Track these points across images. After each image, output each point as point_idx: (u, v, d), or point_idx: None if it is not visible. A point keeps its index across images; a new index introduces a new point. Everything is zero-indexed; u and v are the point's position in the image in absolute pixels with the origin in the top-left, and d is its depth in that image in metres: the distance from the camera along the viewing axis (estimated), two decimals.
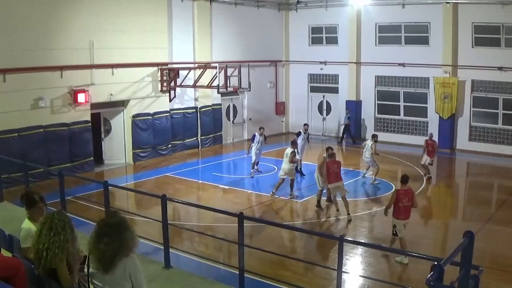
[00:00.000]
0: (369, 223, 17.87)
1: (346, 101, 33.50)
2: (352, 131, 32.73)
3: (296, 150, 20.85)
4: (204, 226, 17.01)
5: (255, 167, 23.90)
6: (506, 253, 14.81)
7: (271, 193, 20.53)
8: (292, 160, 20.14)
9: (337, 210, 18.34)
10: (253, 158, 23.56)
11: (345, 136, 32.86)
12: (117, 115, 26.07)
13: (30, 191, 8.47)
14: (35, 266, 6.20)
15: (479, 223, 17.16)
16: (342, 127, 33.27)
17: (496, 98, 28.32)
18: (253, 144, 23.42)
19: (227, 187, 22.10)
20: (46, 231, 6.11)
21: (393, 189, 15.23)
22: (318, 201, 19.05)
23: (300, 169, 23.64)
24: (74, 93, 22.82)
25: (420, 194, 21.02)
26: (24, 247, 7.39)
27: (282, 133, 35.67)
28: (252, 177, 23.45)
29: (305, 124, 25.76)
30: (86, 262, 5.85)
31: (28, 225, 7.64)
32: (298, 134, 24.24)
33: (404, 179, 14.37)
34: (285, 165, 20.27)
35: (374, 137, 23.19)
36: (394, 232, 14.20)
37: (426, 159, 23.00)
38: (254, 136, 23.85)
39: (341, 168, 18.93)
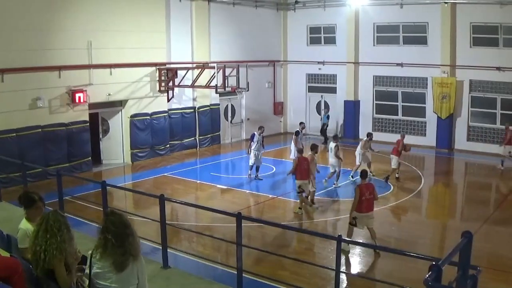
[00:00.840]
0: None
1: (345, 101, 33.54)
2: (349, 130, 32.77)
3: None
4: (202, 226, 16.99)
5: (256, 173, 23.32)
6: (504, 253, 14.82)
7: (331, 182, 22.13)
8: (337, 154, 21.58)
9: (300, 208, 18.69)
10: (252, 160, 23.18)
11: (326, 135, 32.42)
12: (115, 115, 26.05)
13: (28, 191, 8.44)
14: (33, 267, 6.20)
15: (477, 223, 17.16)
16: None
17: (494, 98, 28.33)
18: (253, 143, 23.25)
19: (225, 187, 22.10)
20: (43, 233, 6.10)
21: (355, 186, 15.43)
22: (312, 200, 19.29)
23: None
24: (72, 93, 22.80)
25: (417, 194, 21.08)
26: (22, 248, 7.39)
27: (280, 133, 35.67)
28: (252, 178, 23.32)
29: (301, 123, 25.81)
30: (89, 263, 5.87)
31: (25, 225, 7.63)
32: (297, 133, 24.25)
33: (363, 174, 15.21)
34: (332, 158, 21.84)
35: (369, 135, 23.71)
36: (354, 223, 14.84)
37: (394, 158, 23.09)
38: (253, 135, 23.67)
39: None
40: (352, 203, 15.01)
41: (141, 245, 5.95)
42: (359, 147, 23.49)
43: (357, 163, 23.13)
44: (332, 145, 22.27)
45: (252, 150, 23.02)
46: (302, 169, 18.46)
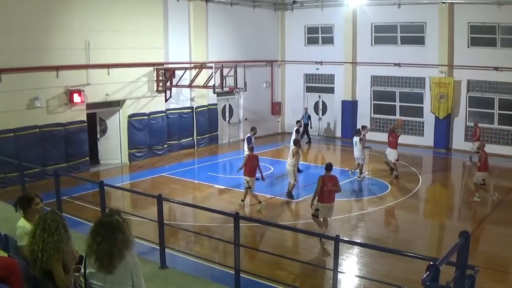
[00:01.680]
0: (364, 223, 17.87)
1: (342, 101, 33.57)
2: (347, 130, 32.81)
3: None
4: (200, 226, 16.98)
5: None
6: (501, 253, 14.83)
7: (357, 176, 23.26)
8: (362, 147, 22.89)
9: (242, 200, 19.58)
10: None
11: (305, 135, 32.03)
12: (113, 115, 26.05)
13: (25, 194, 8.43)
14: (31, 266, 6.19)
15: (475, 223, 17.19)
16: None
17: (492, 98, 28.36)
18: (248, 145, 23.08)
19: (223, 187, 22.10)
20: (40, 232, 6.09)
21: (318, 177, 15.81)
22: (289, 192, 20.38)
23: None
24: (70, 93, 22.80)
25: (415, 194, 21.09)
26: (21, 246, 7.38)
27: (278, 133, 35.69)
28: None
29: (297, 121, 25.85)
30: (83, 263, 5.87)
31: (23, 223, 7.64)
32: (298, 131, 24.23)
33: (328, 167, 15.76)
34: (357, 151, 23.09)
35: (364, 128, 24.55)
36: (316, 214, 15.54)
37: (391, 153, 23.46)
38: (249, 138, 23.06)
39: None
40: (314, 193, 15.53)
41: (134, 244, 5.84)
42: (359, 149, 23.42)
43: (361, 162, 23.27)
44: (356, 139, 23.26)
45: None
46: (251, 166, 19.09)
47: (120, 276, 5.69)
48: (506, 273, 13.55)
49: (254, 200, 19.18)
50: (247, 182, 19.09)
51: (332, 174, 15.80)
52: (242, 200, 19.43)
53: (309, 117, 32.66)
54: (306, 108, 34.13)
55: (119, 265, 5.62)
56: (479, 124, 26.53)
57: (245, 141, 23.33)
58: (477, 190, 19.72)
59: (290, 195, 20.34)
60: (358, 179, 23.02)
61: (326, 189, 15.25)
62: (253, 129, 23.88)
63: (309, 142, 31.63)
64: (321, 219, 15.65)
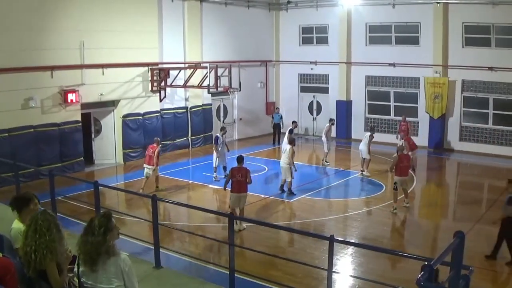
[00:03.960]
0: (359, 223, 17.88)
1: (337, 101, 33.59)
2: (341, 130, 32.87)
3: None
4: (194, 226, 16.97)
5: (225, 172, 22.84)
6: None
7: (360, 172, 24.05)
8: (369, 143, 24.05)
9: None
10: (216, 161, 23.12)
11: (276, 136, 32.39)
12: (107, 115, 26.01)
13: (16, 195, 8.38)
14: (25, 267, 6.17)
15: (469, 223, 17.22)
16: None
17: (487, 98, 28.41)
18: (218, 145, 23.01)
19: (217, 187, 22.08)
20: (32, 233, 6.07)
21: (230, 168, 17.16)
22: (289, 189, 20.89)
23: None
24: (64, 93, 22.76)
25: (410, 194, 21.08)
26: (17, 248, 7.36)
27: (272, 133, 35.65)
28: (217, 181, 22.83)
29: (293, 122, 25.95)
30: (76, 262, 5.95)
31: (17, 224, 7.60)
32: (291, 131, 24.24)
33: (238, 160, 16.88)
34: (363, 146, 24.24)
35: (331, 120, 26.90)
36: (230, 205, 16.82)
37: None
38: (217, 138, 23.19)
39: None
40: (224, 183, 17.15)
41: (116, 244, 6.02)
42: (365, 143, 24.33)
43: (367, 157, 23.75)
44: (367, 133, 24.76)
45: (217, 151, 23.05)
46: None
47: (110, 274, 5.82)
48: (501, 273, 13.59)
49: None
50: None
51: (243, 166, 16.72)
52: (142, 189, 20.40)
53: (281, 117, 32.71)
54: (278, 108, 34.34)
55: (108, 263, 5.80)
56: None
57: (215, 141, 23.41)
58: (400, 196, 19.22)
59: (290, 192, 20.66)
60: (364, 174, 23.38)
61: (235, 179, 16.40)
62: (222, 129, 24.22)
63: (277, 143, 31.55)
64: (237, 210, 16.51)
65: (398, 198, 18.71)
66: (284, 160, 20.85)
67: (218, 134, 23.44)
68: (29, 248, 6.02)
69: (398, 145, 21.03)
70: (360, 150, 24.21)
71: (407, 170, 19.08)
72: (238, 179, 16.40)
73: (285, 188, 20.86)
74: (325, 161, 25.83)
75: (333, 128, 28.68)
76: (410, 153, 21.90)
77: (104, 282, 5.79)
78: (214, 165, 23.20)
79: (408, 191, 19.38)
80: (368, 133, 24.47)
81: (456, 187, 24.22)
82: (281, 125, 32.54)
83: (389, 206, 18.89)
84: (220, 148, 22.99)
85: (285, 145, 22.69)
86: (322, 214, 18.77)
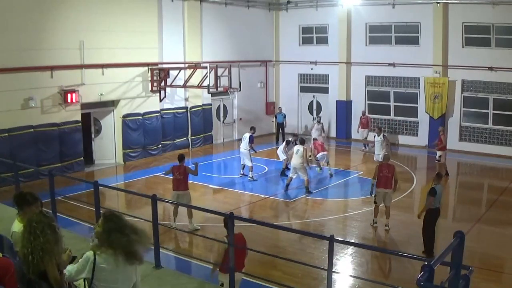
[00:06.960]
0: (359, 223, 17.88)
1: (337, 101, 33.60)
2: (341, 130, 32.86)
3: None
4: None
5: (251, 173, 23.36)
6: (496, 253, 14.88)
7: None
8: (386, 144, 24.71)
9: None
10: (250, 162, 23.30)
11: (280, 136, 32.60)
12: (107, 115, 26.01)
13: (27, 192, 8.35)
14: (25, 269, 6.17)
15: (469, 223, 17.23)
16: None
17: (487, 98, 28.40)
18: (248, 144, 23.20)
19: (218, 187, 22.09)
20: (27, 235, 6.07)
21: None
22: (306, 187, 21.08)
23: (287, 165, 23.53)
24: (64, 93, 22.75)
25: (409, 194, 21.11)
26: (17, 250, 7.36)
27: (272, 133, 35.61)
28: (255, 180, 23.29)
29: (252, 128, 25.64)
30: (92, 264, 6.01)
31: (18, 227, 7.59)
32: (288, 142, 24.11)
33: (179, 158, 17.16)
34: (379, 151, 24.48)
35: (315, 119, 27.75)
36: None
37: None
38: (251, 136, 23.41)
39: None
40: None
41: None
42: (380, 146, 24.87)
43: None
44: (378, 138, 25.11)
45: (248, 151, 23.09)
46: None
47: (131, 271, 6.06)
48: (501, 273, 13.60)
49: None
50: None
51: (183, 165, 16.92)
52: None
53: (284, 116, 32.77)
54: (281, 107, 34.30)
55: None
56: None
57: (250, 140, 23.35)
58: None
59: (308, 190, 20.90)
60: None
61: (174, 177, 16.74)
62: (252, 128, 24.41)
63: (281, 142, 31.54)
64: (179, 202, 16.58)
65: (378, 213, 17.36)
66: (298, 160, 20.80)
67: (250, 133, 23.56)
68: (26, 251, 6.02)
69: (384, 154, 20.79)
70: (377, 155, 24.24)
71: (388, 182, 17.07)
72: (177, 177, 16.71)
73: (290, 187, 21.18)
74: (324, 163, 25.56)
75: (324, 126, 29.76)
76: (438, 153, 23.05)
77: (125, 279, 6.05)
78: (249, 164, 23.22)
79: (389, 205, 17.48)
80: (379, 138, 24.96)
81: (456, 187, 24.20)
82: (285, 125, 32.64)
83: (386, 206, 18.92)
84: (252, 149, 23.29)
85: (294, 148, 22.49)
86: (322, 214, 18.77)
